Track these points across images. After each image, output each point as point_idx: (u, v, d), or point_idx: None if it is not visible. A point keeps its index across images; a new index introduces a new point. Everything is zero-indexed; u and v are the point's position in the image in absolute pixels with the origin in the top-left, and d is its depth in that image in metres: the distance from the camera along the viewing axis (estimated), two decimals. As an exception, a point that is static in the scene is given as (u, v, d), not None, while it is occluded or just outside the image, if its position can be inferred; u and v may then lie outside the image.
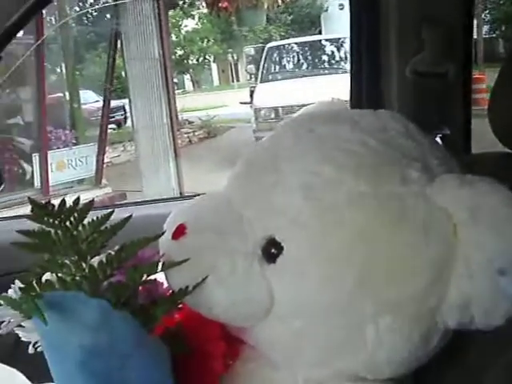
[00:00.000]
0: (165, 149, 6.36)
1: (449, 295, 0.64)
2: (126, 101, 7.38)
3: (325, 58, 9.80)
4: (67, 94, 6.88)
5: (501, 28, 15.19)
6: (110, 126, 8.03)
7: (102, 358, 0.61)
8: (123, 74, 6.90)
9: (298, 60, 10.08)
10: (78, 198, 0.65)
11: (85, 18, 11.22)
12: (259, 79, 9.58)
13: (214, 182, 0.80)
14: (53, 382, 0.66)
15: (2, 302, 0.64)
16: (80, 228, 0.64)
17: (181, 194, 6.09)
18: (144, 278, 0.65)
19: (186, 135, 10.37)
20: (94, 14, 11.23)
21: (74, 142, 6.59)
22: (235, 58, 19.66)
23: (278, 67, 9.95)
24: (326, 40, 10.03)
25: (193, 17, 17.58)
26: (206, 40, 18.30)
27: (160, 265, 0.66)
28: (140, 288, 0.68)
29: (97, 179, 6.49)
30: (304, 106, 0.92)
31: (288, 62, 10.06)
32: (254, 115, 8.64)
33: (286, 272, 0.66)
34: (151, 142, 6.36)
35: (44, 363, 0.65)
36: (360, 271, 0.64)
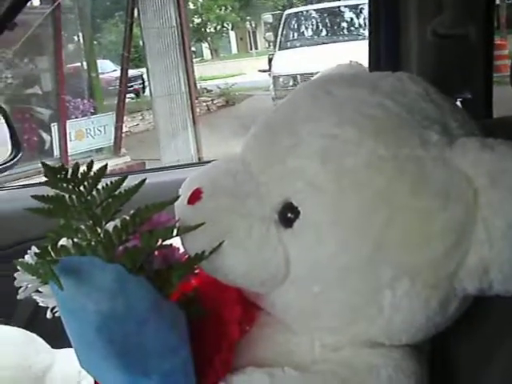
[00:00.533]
0: (183, 117, 6.36)
1: (468, 260, 0.64)
2: (145, 70, 7.35)
3: (344, 24, 9.65)
4: (85, 63, 6.87)
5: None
6: (128, 96, 8.03)
7: (119, 322, 0.61)
8: (141, 43, 6.85)
9: (317, 27, 9.94)
10: (92, 162, 0.65)
11: (101, -13, 11.15)
12: (277, 47, 9.49)
13: (233, 150, 0.79)
14: (71, 346, 0.67)
15: (19, 268, 0.65)
16: (94, 193, 0.64)
17: (199, 160, 6.09)
18: (159, 243, 0.64)
19: (204, 104, 10.35)
20: (111, -18, 11.16)
21: (93, 111, 6.60)
22: (253, 25, 19.53)
23: (296, 34, 9.83)
24: (345, 6, 9.84)
25: (210, -16, 17.43)
26: (223, 8, 18.16)
27: (176, 230, 0.66)
28: (156, 253, 0.67)
29: (115, 148, 6.51)
30: (323, 73, 0.91)
31: (307, 28, 9.92)
32: (272, 83, 8.58)
33: (303, 236, 0.65)
34: (169, 110, 6.36)
35: (63, 328, 0.66)
36: (377, 236, 0.63)
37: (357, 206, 0.64)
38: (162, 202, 0.65)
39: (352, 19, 9.54)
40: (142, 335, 0.62)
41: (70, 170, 0.63)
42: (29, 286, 0.66)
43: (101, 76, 7.49)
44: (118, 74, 6.81)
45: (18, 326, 1.04)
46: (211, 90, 11.46)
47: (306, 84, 0.78)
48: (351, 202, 0.64)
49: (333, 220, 0.64)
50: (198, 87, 10.63)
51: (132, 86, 9.78)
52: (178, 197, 0.71)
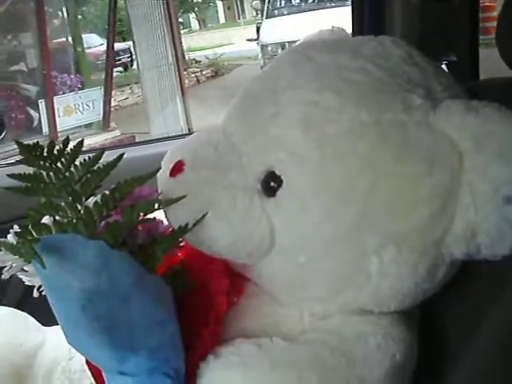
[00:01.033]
0: (171, 89, 6.30)
1: (454, 225, 0.63)
2: (131, 43, 7.28)
3: (331, -10, 9.54)
4: (70, 38, 6.79)
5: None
6: (116, 69, 7.96)
7: (104, 299, 0.61)
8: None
9: (305, -7, 9.83)
10: (68, 139, 0.64)
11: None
12: (265, 15, 9.39)
13: (223, 121, 0.78)
14: (59, 324, 0.66)
15: (1, 248, 0.64)
16: (72, 169, 0.63)
17: (189, 132, 6.06)
18: (141, 217, 0.64)
19: (193, 75, 10.25)
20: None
21: (80, 86, 6.54)
22: (240, -6, 19.30)
23: (283, 2, 9.69)
24: (333, -28, 9.73)
25: (195, -47, 17.18)
26: (210, -23, 17.92)
27: (158, 203, 0.65)
28: (140, 227, 0.67)
29: (105, 123, 6.46)
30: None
31: (294, -5, 9.81)
32: (260, 52, 8.52)
33: (286, 205, 0.65)
34: (157, 82, 6.30)
35: (52, 306, 0.65)
36: (361, 203, 0.62)
37: (340, 173, 0.63)
38: (141, 176, 0.64)
39: (339, -16, 9.43)
40: (128, 311, 0.62)
41: (46, 148, 0.62)
42: (13, 265, 0.66)
43: (88, 50, 7.40)
44: (105, 47, 6.73)
45: (10, 306, 1.04)
46: (200, 61, 11.35)
47: (287, 51, 0.77)
48: (334, 170, 0.63)
49: (316, 188, 0.63)
50: (187, 58, 10.52)
51: (120, 60, 9.68)
52: (158, 170, 0.70)
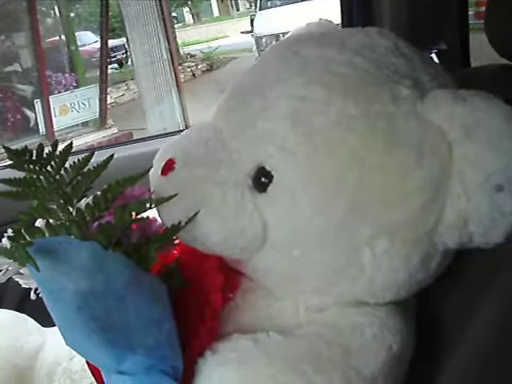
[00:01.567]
0: (167, 84, 6.28)
1: (446, 215, 0.63)
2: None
3: (325, -21, 9.51)
4: (64, 36, 6.77)
5: None
6: (112, 66, 7.94)
7: (99, 300, 0.61)
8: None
9: (297, -16, 9.79)
10: (56, 142, 0.64)
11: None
12: (258, 6, 9.36)
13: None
14: (60, 325, 0.67)
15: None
16: (62, 172, 0.63)
17: (186, 128, 6.04)
18: (134, 217, 0.64)
19: (188, 69, 10.24)
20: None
21: (75, 84, 6.52)
22: (233, -14, 19.22)
23: (276, -8, 9.68)
24: (325, -39, 9.69)
25: None
26: (202, -31, 17.85)
27: (150, 202, 0.65)
28: (134, 227, 0.67)
29: (101, 120, 6.44)
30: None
31: (287, -14, 9.77)
32: (255, 44, 8.50)
33: (278, 200, 0.65)
34: (153, 78, 6.28)
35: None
36: (352, 195, 0.63)
37: (329, 166, 0.63)
38: (132, 176, 0.65)
39: (332, -27, 9.38)
40: (124, 311, 0.62)
41: (35, 151, 0.62)
42: (9, 268, 0.66)
43: (82, 48, 7.38)
44: (99, 45, 6.72)
45: (9, 308, 1.05)
46: (194, 55, 11.33)
47: (274, 46, 0.77)
48: (323, 163, 0.63)
49: (306, 182, 0.64)
50: (182, 53, 10.50)
51: (115, 57, 9.66)
52: (149, 170, 0.70)
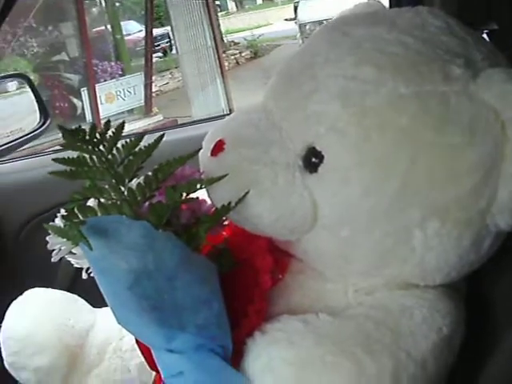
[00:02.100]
0: (211, 72, 6.30)
1: (498, 196, 0.62)
2: (170, 28, 7.30)
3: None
4: (109, 26, 6.85)
5: None
6: (156, 55, 8.00)
7: (150, 279, 0.62)
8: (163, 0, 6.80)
9: (342, -32, 9.67)
10: (109, 122, 0.64)
11: None
12: (302, -7, 9.30)
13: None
14: (109, 305, 0.68)
15: (50, 231, 0.65)
16: (114, 152, 0.64)
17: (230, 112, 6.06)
18: (184, 197, 0.64)
19: (232, 57, 10.24)
20: None
21: (121, 73, 6.60)
22: (277, -27, 19.10)
23: (320, -21, 9.59)
24: None
25: None
26: (245, -43, 17.78)
27: (200, 183, 0.65)
28: (184, 207, 0.67)
29: (147, 108, 6.52)
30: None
31: (330, -29, 9.67)
32: (299, 31, 8.45)
33: (328, 180, 0.65)
34: (197, 66, 6.31)
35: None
36: (403, 175, 0.62)
37: (380, 146, 0.62)
38: (182, 156, 0.65)
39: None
40: (174, 290, 0.63)
41: (88, 131, 0.63)
42: (62, 248, 0.67)
43: (127, 37, 7.46)
44: (143, 34, 6.78)
45: (61, 288, 1.07)
46: (238, 43, 11.32)
47: (323, 27, 0.77)
48: (374, 143, 0.62)
49: (357, 162, 0.63)
50: (225, 41, 10.51)
51: (159, 45, 9.73)
52: (199, 150, 0.70)
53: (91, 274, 0.68)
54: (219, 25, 7.70)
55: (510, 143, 0.61)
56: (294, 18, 9.48)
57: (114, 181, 0.63)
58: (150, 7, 6.35)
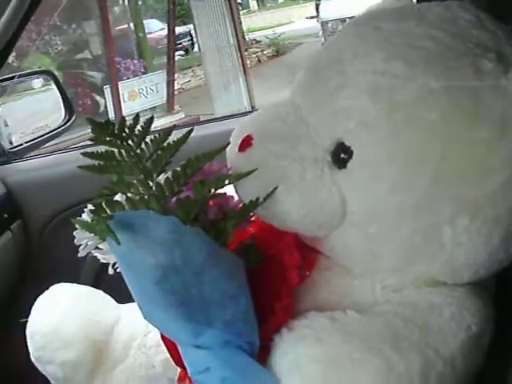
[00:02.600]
0: (233, 69, 6.32)
1: None
2: (192, 26, 7.32)
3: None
4: (132, 24, 6.89)
5: None
6: (178, 53, 8.02)
7: (178, 274, 0.61)
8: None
9: (364, -35, 9.62)
10: (138, 116, 0.64)
11: None
12: (324, -9, 9.27)
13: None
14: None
15: (77, 226, 0.65)
16: (143, 146, 0.64)
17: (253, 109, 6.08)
18: (212, 192, 0.64)
19: (254, 55, 10.25)
20: None
21: (143, 70, 6.64)
22: (298, -29, 19.07)
23: (342, -24, 9.55)
24: None
25: None
26: (267, -45, 17.76)
27: (228, 178, 0.65)
28: (211, 203, 0.67)
29: (169, 105, 6.54)
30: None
31: (353, -32, 9.62)
32: (321, 29, 8.44)
33: (358, 176, 0.64)
34: (219, 64, 6.33)
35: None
36: (433, 171, 0.61)
37: (410, 141, 0.62)
38: (210, 152, 0.65)
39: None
40: (202, 285, 0.62)
41: (117, 125, 0.63)
42: (88, 243, 0.67)
43: (149, 36, 7.50)
44: (165, 32, 6.81)
45: (86, 284, 1.07)
46: (260, 41, 11.31)
47: (351, 22, 0.76)
48: (404, 138, 0.62)
49: (386, 157, 0.62)
50: (247, 39, 10.51)
51: (181, 43, 9.77)
52: (227, 145, 0.70)
53: (117, 270, 0.68)
54: (241, 23, 7.70)
55: None
56: (316, 16, 9.46)
57: (142, 175, 0.63)
58: (172, 5, 6.38)
